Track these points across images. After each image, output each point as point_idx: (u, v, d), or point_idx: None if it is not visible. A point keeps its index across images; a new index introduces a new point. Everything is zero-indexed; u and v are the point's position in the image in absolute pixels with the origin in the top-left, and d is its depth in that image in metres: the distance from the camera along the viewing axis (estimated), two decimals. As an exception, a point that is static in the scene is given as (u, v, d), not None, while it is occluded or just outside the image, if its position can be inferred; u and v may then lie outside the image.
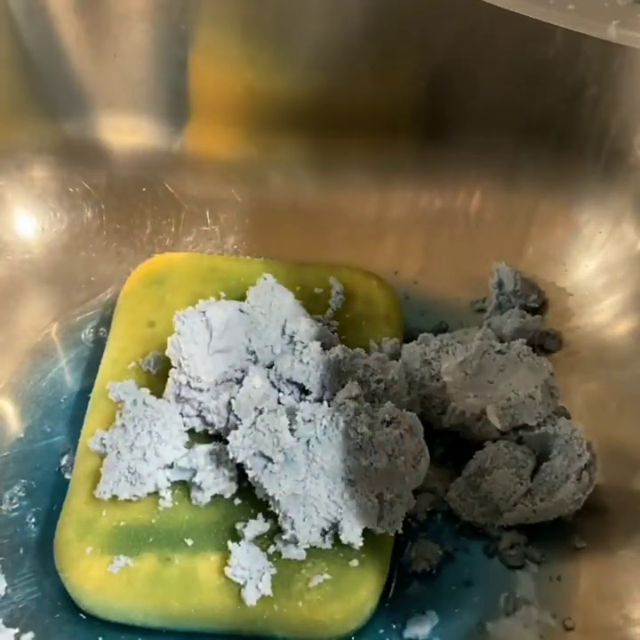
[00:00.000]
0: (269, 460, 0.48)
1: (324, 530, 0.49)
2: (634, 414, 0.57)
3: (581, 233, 0.64)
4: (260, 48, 0.64)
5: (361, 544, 0.49)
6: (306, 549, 0.49)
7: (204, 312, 0.54)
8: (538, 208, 0.65)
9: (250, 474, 0.50)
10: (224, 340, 0.53)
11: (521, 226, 0.65)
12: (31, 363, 0.62)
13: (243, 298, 0.57)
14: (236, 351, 0.53)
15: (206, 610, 0.49)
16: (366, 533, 0.49)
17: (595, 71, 0.58)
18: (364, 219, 0.67)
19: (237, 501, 0.51)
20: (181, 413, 0.53)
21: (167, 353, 0.53)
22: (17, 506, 0.55)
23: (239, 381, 0.53)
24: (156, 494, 0.51)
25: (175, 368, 0.53)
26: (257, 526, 0.49)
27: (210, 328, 0.53)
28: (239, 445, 0.49)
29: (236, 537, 0.50)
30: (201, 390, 0.53)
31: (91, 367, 0.59)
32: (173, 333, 0.53)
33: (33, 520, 0.54)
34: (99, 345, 0.61)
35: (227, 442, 0.50)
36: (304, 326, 0.55)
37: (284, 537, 0.49)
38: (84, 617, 0.51)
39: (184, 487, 0.52)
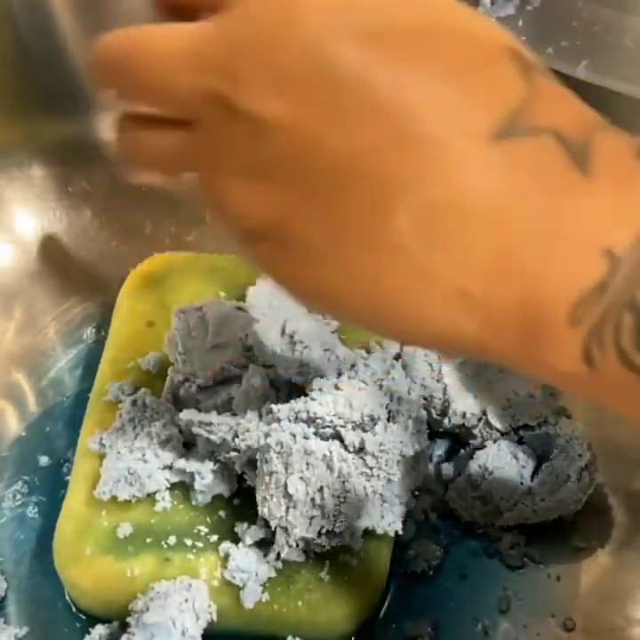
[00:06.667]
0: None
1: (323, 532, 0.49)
2: (634, 414, 0.57)
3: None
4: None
5: (361, 544, 0.49)
6: (305, 550, 0.49)
7: (200, 308, 0.54)
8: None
9: (248, 481, 0.50)
10: (221, 336, 0.53)
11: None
12: (31, 363, 0.61)
13: (242, 298, 0.57)
14: (232, 347, 0.53)
15: (206, 610, 0.49)
16: (366, 533, 0.49)
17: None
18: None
19: (237, 501, 0.51)
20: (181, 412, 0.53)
21: (164, 348, 0.53)
22: (17, 506, 0.55)
23: (238, 379, 0.53)
24: (155, 495, 0.51)
25: (173, 366, 0.53)
26: (257, 533, 0.49)
27: (206, 323, 0.53)
28: (236, 455, 0.50)
29: (236, 538, 0.50)
30: (199, 387, 0.53)
31: (91, 367, 0.59)
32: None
33: (32, 520, 0.54)
34: (99, 345, 0.61)
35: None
36: (304, 326, 0.55)
37: (281, 542, 0.49)
38: (83, 617, 0.51)
39: (183, 488, 0.52)
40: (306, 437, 0.49)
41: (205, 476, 0.51)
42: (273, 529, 0.48)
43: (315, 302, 0.33)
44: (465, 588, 0.52)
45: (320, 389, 0.51)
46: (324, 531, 0.48)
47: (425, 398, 0.54)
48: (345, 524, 0.48)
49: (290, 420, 0.49)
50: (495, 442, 0.54)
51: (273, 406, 0.50)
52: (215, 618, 0.48)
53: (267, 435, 0.49)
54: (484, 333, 0.30)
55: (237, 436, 0.50)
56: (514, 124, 0.29)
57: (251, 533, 0.49)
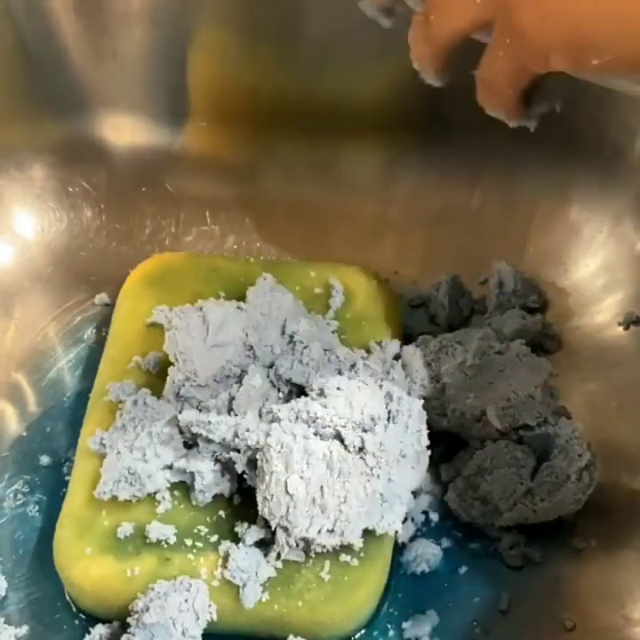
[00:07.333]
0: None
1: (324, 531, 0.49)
2: (634, 414, 0.57)
3: (581, 233, 0.63)
4: (260, 47, 0.64)
5: (361, 544, 0.49)
6: (305, 550, 0.49)
7: (201, 308, 0.54)
8: (538, 208, 0.65)
9: (248, 481, 0.50)
10: (221, 335, 0.53)
11: (521, 226, 0.65)
12: (31, 363, 0.62)
13: (243, 298, 0.57)
14: (233, 346, 0.53)
15: (206, 610, 0.49)
16: (366, 533, 0.49)
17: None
18: (365, 218, 0.67)
19: (237, 501, 0.51)
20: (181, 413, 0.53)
21: (165, 348, 0.53)
22: (17, 506, 0.55)
23: (238, 379, 0.53)
24: (155, 494, 0.51)
25: (174, 365, 0.53)
26: (257, 533, 0.49)
27: (206, 323, 0.53)
28: (236, 455, 0.50)
29: (236, 538, 0.50)
30: (200, 387, 0.53)
31: (91, 367, 0.59)
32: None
33: (33, 520, 0.54)
34: (99, 345, 0.61)
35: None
36: (304, 326, 0.55)
37: (281, 542, 0.49)
38: (83, 616, 0.51)
39: (184, 487, 0.52)
40: (306, 437, 0.49)
41: (205, 476, 0.51)
42: (273, 529, 0.48)
43: (568, 41, 0.39)
44: (464, 588, 0.52)
45: (320, 389, 0.51)
46: (323, 531, 0.48)
47: (425, 398, 0.54)
48: (345, 523, 0.48)
49: (290, 420, 0.49)
50: (495, 442, 0.54)
51: (273, 406, 0.51)
52: (215, 618, 0.48)
53: (267, 435, 0.49)
54: None
55: (237, 436, 0.50)
56: None
57: (251, 533, 0.49)
